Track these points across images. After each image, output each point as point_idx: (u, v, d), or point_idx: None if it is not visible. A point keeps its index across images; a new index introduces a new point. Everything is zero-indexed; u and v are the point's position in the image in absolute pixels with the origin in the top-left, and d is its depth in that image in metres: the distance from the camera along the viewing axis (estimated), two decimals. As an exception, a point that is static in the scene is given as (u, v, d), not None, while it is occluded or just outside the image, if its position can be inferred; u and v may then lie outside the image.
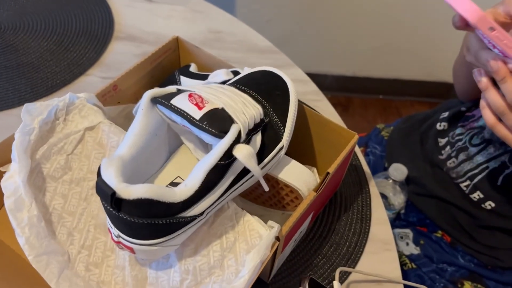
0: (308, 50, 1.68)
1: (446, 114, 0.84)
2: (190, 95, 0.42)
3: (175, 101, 0.41)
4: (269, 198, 0.55)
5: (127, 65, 0.62)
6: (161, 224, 0.37)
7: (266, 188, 0.44)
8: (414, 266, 0.79)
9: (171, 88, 0.45)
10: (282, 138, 0.48)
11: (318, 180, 0.57)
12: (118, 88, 0.61)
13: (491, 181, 0.74)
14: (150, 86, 0.66)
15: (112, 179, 0.36)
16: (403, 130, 0.91)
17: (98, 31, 0.85)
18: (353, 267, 0.58)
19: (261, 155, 0.46)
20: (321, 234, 0.60)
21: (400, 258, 0.80)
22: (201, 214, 0.41)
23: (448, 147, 0.80)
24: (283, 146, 0.49)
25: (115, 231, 0.39)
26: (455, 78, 0.84)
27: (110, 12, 0.89)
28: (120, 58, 0.81)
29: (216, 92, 0.45)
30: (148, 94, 0.43)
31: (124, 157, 0.40)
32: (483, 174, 0.75)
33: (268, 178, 0.52)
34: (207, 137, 0.41)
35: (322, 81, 1.77)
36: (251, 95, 0.48)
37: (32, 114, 0.49)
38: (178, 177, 0.48)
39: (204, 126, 0.40)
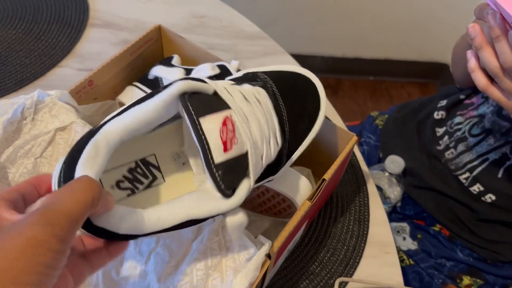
0: (296, 31, 1.63)
1: (444, 102, 0.80)
2: (225, 121, 0.34)
3: (205, 124, 0.33)
4: (259, 205, 0.51)
5: (104, 55, 0.57)
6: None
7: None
8: (411, 262, 0.76)
9: (208, 87, 0.36)
10: (278, 171, 0.42)
11: (313, 184, 0.53)
12: (94, 83, 0.56)
13: (492, 173, 0.71)
14: (130, 80, 0.61)
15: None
16: (399, 119, 0.87)
17: (72, 18, 0.78)
18: (352, 273, 0.55)
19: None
20: (316, 239, 0.57)
21: (397, 254, 0.77)
22: None
23: (446, 137, 0.77)
24: (272, 179, 0.43)
25: None
26: (453, 64, 0.80)
27: (84, -4, 0.82)
28: (96, 47, 0.75)
29: (251, 115, 0.37)
30: (180, 87, 0.34)
31: (113, 141, 0.33)
32: (483, 165, 0.72)
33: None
34: (211, 184, 0.35)
35: (311, 63, 1.73)
36: (280, 120, 0.41)
37: None
38: (153, 156, 0.41)
39: (217, 176, 0.34)
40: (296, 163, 0.56)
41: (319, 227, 0.57)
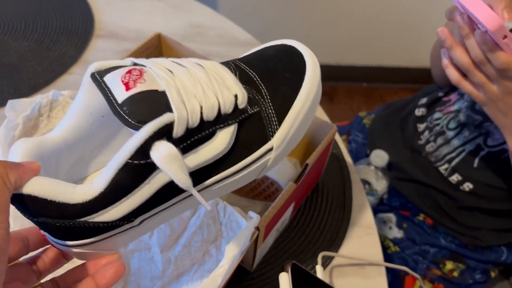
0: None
1: (424, 100, 0.86)
2: (128, 71, 0.32)
3: (108, 77, 0.32)
4: (250, 190, 0.57)
5: (108, 63, 0.63)
6: (58, 226, 0.30)
7: (208, 208, 0.34)
8: (397, 249, 0.81)
9: (126, 61, 0.34)
10: (272, 136, 0.36)
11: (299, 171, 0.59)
12: (100, 86, 0.61)
13: (468, 164, 0.76)
14: (132, 83, 0.67)
15: None
16: (384, 117, 0.93)
17: (79, 29, 0.85)
18: (336, 251, 0.60)
19: (236, 157, 0.35)
20: (304, 222, 0.62)
21: (384, 242, 0.82)
22: (129, 220, 0.32)
23: (426, 132, 0.82)
24: (272, 147, 0.37)
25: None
26: (432, 63, 0.86)
27: (90, 9, 0.89)
28: (102, 55, 0.82)
29: (177, 68, 0.34)
30: (92, 66, 0.33)
31: (51, 140, 0.32)
32: (460, 157, 0.77)
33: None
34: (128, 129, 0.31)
35: (307, 71, 1.77)
36: (242, 74, 0.37)
37: (17, 110, 0.50)
38: None
39: (121, 112, 0.30)
40: (284, 154, 0.62)
41: (306, 212, 0.63)
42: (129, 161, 0.29)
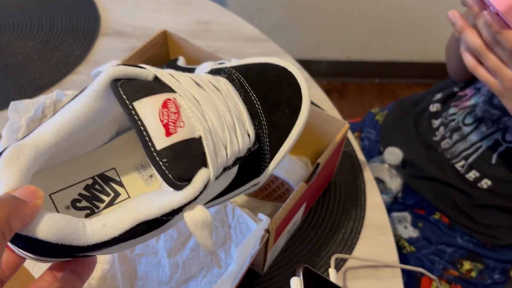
0: (301, 37, 1.67)
1: (439, 96, 0.83)
2: (165, 104, 0.29)
3: (140, 107, 0.29)
4: (260, 190, 0.55)
5: (113, 62, 0.62)
6: (52, 254, 0.28)
7: (219, 267, 0.33)
8: (413, 249, 0.79)
9: (146, 72, 0.32)
10: (261, 173, 0.38)
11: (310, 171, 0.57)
12: (105, 85, 0.60)
13: (486, 160, 0.74)
14: (138, 81, 0.65)
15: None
16: (397, 113, 0.91)
17: (85, 28, 0.84)
18: (350, 253, 0.58)
19: (230, 188, 0.36)
20: (316, 223, 0.60)
21: (399, 242, 0.80)
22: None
23: (441, 128, 0.80)
24: (258, 183, 0.39)
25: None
26: (447, 58, 0.83)
27: (95, 8, 0.88)
28: (108, 54, 0.81)
29: (205, 99, 0.32)
30: (110, 73, 0.30)
31: (42, 144, 0.29)
32: (478, 153, 0.75)
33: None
34: (160, 176, 0.29)
35: (317, 67, 1.76)
36: (252, 107, 0.37)
37: (19, 112, 0.50)
38: (113, 170, 0.36)
39: (161, 164, 0.28)
40: (294, 153, 0.61)
41: (318, 212, 0.61)
42: (159, 217, 0.28)
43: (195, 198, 0.28)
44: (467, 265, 0.78)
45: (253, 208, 0.58)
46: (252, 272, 0.55)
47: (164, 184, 0.29)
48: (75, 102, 0.30)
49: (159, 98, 0.29)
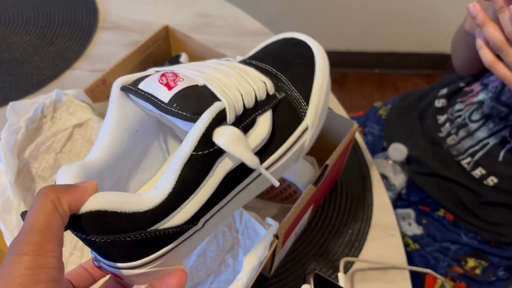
0: (300, 27, 1.65)
1: (444, 91, 0.82)
2: (162, 75, 0.33)
3: (143, 85, 0.33)
4: (266, 192, 0.54)
5: (114, 56, 0.60)
6: (129, 241, 0.28)
7: (276, 184, 0.34)
8: (417, 246, 0.78)
9: (150, 71, 0.36)
10: (304, 116, 0.38)
11: (317, 171, 0.56)
12: (107, 82, 0.59)
13: (493, 157, 0.73)
14: (139, 78, 0.64)
15: None
16: (401, 108, 0.89)
17: (82, 22, 0.82)
18: (357, 255, 0.57)
19: (276, 142, 0.36)
20: (322, 224, 0.59)
21: (403, 239, 0.79)
22: (194, 224, 0.31)
23: (447, 124, 0.79)
24: (307, 127, 0.38)
25: (92, 253, 0.31)
26: (453, 52, 0.82)
27: (93, 1, 0.85)
28: (107, 49, 0.79)
29: (203, 68, 0.35)
30: (118, 82, 0.34)
31: (93, 163, 0.31)
32: (484, 150, 0.74)
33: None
34: (182, 124, 0.32)
35: (316, 58, 1.74)
36: (259, 68, 0.38)
37: (18, 113, 0.48)
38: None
39: (173, 109, 0.31)
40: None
41: (325, 213, 0.60)
42: (194, 153, 0.29)
43: (219, 123, 0.30)
44: (471, 262, 0.77)
45: (259, 209, 0.57)
46: (259, 275, 0.54)
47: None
48: (105, 118, 0.33)
49: (157, 74, 0.33)
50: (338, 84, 1.79)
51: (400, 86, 1.79)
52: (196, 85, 0.32)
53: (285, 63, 0.40)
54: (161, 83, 0.32)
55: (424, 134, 0.82)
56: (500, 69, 0.51)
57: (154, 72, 0.34)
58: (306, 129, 0.38)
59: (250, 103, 0.34)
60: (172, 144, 0.40)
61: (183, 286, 0.31)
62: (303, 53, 0.41)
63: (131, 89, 0.32)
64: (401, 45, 1.74)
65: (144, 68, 0.64)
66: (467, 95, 0.77)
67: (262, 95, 0.35)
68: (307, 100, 0.39)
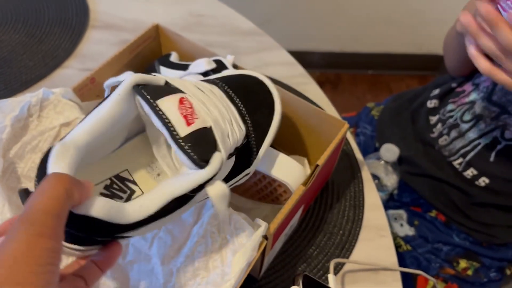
0: (294, 28, 1.65)
1: (436, 92, 0.82)
2: (181, 101, 0.36)
3: (162, 104, 0.35)
4: (257, 192, 0.53)
5: (105, 55, 0.59)
6: (99, 240, 0.33)
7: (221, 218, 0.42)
8: (409, 248, 0.78)
9: (159, 78, 0.38)
10: (251, 164, 0.44)
11: (309, 171, 0.55)
12: (96, 80, 0.58)
13: (484, 157, 0.73)
14: (129, 77, 0.63)
15: None
16: (393, 109, 0.89)
17: (73, 20, 0.81)
18: (348, 256, 0.57)
19: (226, 178, 0.41)
20: (313, 224, 0.59)
21: (395, 240, 0.79)
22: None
23: (439, 125, 0.79)
24: (249, 173, 0.45)
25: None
26: (445, 53, 0.81)
27: (84, -1, 0.85)
28: (98, 48, 0.78)
29: (207, 99, 0.39)
30: (132, 79, 0.36)
31: (80, 143, 0.34)
32: (476, 150, 0.73)
33: (254, 172, 0.50)
34: (184, 159, 0.35)
35: (310, 59, 1.74)
36: (238, 109, 0.43)
37: (4, 111, 0.48)
38: (126, 171, 0.42)
39: (186, 148, 0.34)
40: (292, 152, 0.59)
41: (316, 213, 0.60)
42: (187, 193, 0.34)
43: (215, 175, 0.35)
44: (463, 263, 0.77)
45: (249, 209, 0.56)
46: (248, 276, 0.53)
47: (185, 168, 0.36)
48: (103, 106, 0.36)
49: (176, 97, 0.36)
50: (331, 85, 1.79)
51: (393, 87, 1.79)
52: (205, 128, 0.36)
53: (255, 108, 0.45)
54: (181, 113, 0.35)
55: (416, 134, 0.82)
56: (499, 75, 0.50)
57: (163, 82, 0.38)
58: (248, 174, 0.45)
59: (232, 150, 0.39)
60: (132, 131, 0.43)
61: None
62: (268, 104, 0.47)
63: (148, 101, 0.35)
64: (395, 47, 1.75)
65: (133, 67, 0.63)
66: (459, 95, 0.77)
67: (239, 143, 0.41)
68: (257, 149, 0.44)
